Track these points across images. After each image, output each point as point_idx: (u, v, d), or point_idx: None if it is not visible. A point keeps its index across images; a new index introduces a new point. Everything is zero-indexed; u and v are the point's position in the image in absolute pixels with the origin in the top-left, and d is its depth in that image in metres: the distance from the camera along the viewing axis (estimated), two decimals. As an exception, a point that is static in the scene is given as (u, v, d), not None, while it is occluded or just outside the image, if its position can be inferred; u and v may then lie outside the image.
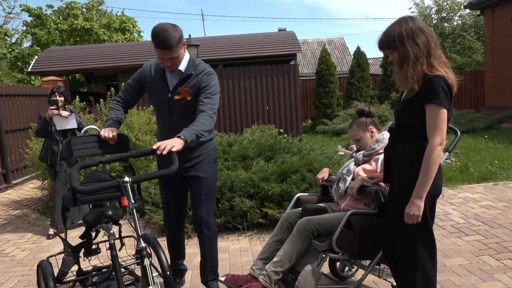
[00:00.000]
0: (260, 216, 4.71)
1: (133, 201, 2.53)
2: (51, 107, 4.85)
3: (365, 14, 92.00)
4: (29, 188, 8.32)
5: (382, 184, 2.79)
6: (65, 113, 4.90)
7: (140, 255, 2.52)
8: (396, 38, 2.34)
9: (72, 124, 4.98)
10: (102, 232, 2.93)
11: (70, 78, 12.68)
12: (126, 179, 2.55)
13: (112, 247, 2.76)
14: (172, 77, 3.09)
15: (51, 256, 3.04)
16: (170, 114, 3.10)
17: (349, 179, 3.02)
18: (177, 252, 3.52)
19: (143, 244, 2.53)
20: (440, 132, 2.26)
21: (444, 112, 2.27)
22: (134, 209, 2.53)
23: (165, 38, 2.85)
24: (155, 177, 2.93)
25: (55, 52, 12.30)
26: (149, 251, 2.62)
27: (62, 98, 5.02)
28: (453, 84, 2.31)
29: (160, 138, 3.11)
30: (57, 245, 4.78)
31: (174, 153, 2.66)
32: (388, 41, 2.38)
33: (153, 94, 3.14)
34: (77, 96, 6.28)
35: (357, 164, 3.12)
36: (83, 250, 3.03)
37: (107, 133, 2.97)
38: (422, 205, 2.29)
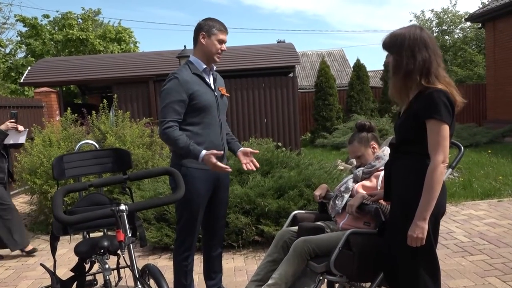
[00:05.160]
0: (256, 233, 4.60)
1: (130, 235, 2.22)
2: (11, 120, 4.68)
3: (365, 26, 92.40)
4: (18, 203, 7.91)
5: (383, 202, 2.70)
6: (21, 127, 4.75)
7: None
8: (396, 45, 2.27)
9: (23, 139, 4.83)
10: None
11: (64, 89, 12.55)
12: (122, 207, 2.20)
13: (107, 285, 2.55)
14: (207, 78, 3.15)
15: None
16: (218, 112, 3.16)
17: (346, 196, 2.94)
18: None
19: None
20: (442, 150, 2.17)
21: (446, 129, 2.18)
22: (131, 245, 2.21)
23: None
24: (159, 204, 2.58)
25: (49, 63, 12.17)
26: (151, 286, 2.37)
27: None
28: (456, 100, 2.23)
29: (209, 143, 3.05)
30: (44, 263, 4.60)
31: (181, 177, 2.47)
32: (389, 44, 2.32)
33: (202, 98, 3.04)
34: (69, 108, 6.12)
35: (356, 181, 3.03)
36: (75, 284, 2.77)
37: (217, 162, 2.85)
38: (426, 227, 2.19)
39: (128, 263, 2.28)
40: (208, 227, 3.36)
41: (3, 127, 4.64)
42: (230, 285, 3.78)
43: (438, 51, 2.28)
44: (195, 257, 3.28)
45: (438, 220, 2.33)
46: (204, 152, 2.85)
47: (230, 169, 2.90)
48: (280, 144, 6.33)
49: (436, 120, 2.17)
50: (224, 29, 3.09)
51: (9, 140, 4.70)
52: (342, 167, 7.88)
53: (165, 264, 4.34)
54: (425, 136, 2.21)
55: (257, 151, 3.21)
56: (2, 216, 4.64)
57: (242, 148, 3.18)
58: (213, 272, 3.43)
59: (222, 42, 3.08)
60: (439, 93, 2.18)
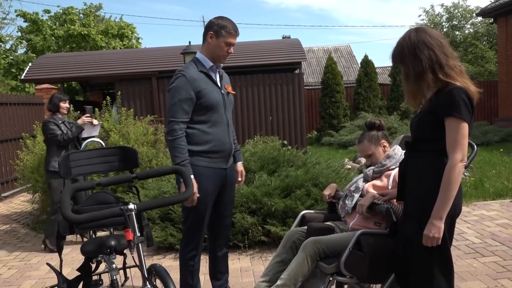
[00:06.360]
0: (263, 233, 4.54)
1: (138, 234, 2.18)
2: (87, 115, 5.03)
3: (372, 21, 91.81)
4: (19, 202, 8.04)
5: (394, 201, 2.67)
6: (95, 121, 5.14)
7: None
8: (397, 55, 2.32)
9: (96, 132, 5.24)
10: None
11: (65, 86, 12.43)
12: (131, 206, 2.19)
13: (114, 285, 2.54)
14: (214, 75, 3.10)
15: None
16: (225, 110, 3.12)
17: (356, 196, 2.91)
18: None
19: None
20: (461, 148, 2.15)
21: (465, 127, 2.15)
22: (140, 244, 2.18)
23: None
24: (167, 204, 2.59)
25: (50, 59, 12.04)
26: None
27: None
28: (474, 96, 2.21)
29: (217, 141, 3.05)
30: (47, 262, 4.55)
31: (190, 177, 2.43)
32: (393, 57, 2.36)
33: (209, 96, 3.00)
34: (71, 105, 6.07)
35: (366, 180, 2.98)
36: (81, 284, 2.75)
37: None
38: (442, 226, 2.16)
39: (135, 262, 2.25)
40: (214, 227, 3.30)
41: (80, 121, 4.97)
42: (236, 285, 3.73)
43: (443, 42, 2.27)
44: (201, 257, 3.24)
45: (453, 220, 2.30)
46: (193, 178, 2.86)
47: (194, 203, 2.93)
48: (286, 142, 6.23)
49: (456, 118, 2.15)
50: (234, 32, 3.02)
51: (84, 134, 5.06)
52: (349, 166, 7.81)
53: (169, 264, 4.28)
54: (443, 134, 2.19)
55: (241, 181, 3.41)
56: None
57: (240, 165, 3.37)
58: (219, 273, 3.37)
59: (229, 45, 3.03)
60: (459, 90, 2.16)
